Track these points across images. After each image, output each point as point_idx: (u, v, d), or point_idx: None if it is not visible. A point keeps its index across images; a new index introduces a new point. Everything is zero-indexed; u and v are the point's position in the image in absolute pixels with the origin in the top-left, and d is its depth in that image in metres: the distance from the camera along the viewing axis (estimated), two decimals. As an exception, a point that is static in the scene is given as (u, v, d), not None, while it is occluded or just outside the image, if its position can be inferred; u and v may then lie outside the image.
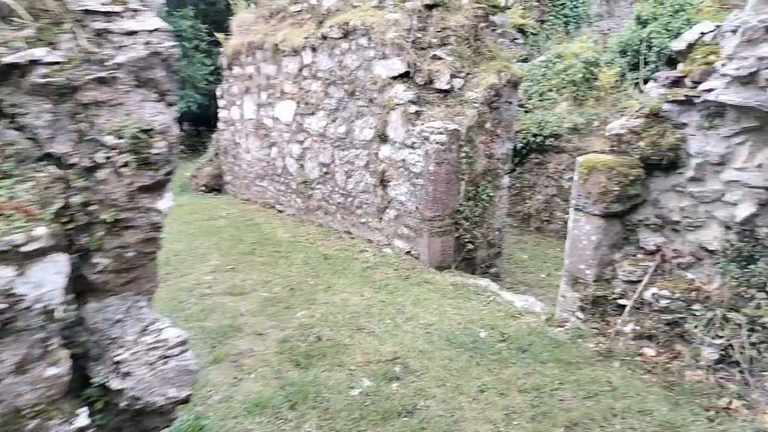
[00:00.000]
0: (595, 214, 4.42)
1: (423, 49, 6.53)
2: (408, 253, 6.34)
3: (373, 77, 6.72)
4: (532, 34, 14.12)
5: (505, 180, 6.80)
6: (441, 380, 3.66)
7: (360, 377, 3.70)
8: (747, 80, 3.64)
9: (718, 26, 4.19)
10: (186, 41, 15.03)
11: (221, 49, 10.37)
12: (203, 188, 10.83)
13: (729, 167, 3.90)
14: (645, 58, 10.25)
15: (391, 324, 4.47)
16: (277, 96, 8.67)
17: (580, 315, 4.54)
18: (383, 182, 6.65)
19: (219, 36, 10.43)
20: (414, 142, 6.18)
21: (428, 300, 4.99)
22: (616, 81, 9.72)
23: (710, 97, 3.85)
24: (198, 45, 15.53)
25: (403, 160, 6.35)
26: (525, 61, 11.59)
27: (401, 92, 6.35)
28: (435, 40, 6.55)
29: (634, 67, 10.33)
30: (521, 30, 13.99)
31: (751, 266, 3.75)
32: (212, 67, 14.85)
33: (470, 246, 6.33)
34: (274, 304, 4.94)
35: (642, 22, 10.97)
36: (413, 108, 6.23)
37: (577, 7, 14.80)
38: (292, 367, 3.82)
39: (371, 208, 6.92)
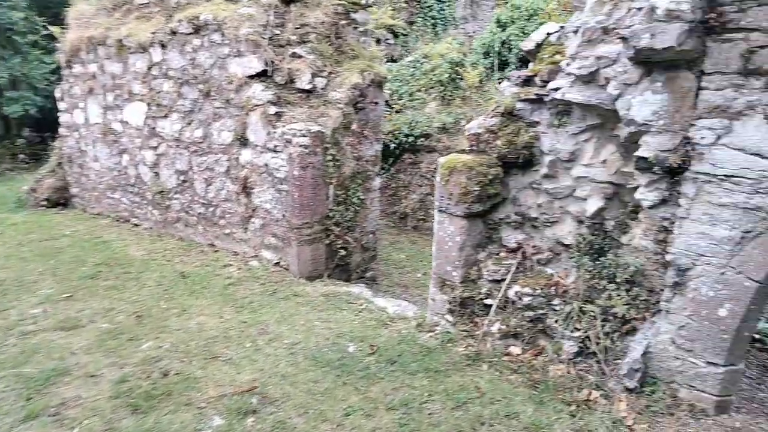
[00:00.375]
0: (458, 215, 4.36)
1: (281, 46, 6.14)
2: (277, 264, 5.93)
3: (229, 76, 6.21)
4: (403, 35, 14.30)
5: (376, 182, 6.64)
6: (303, 407, 3.33)
7: (210, 415, 3.25)
8: (588, 79, 3.74)
9: (562, 27, 4.30)
10: (18, 35, 13.15)
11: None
12: (45, 203, 9.47)
13: (578, 164, 4.00)
14: (505, 59, 10.75)
15: (252, 348, 4.05)
16: (125, 98, 7.77)
17: (450, 318, 4.46)
18: (246, 189, 6.16)
19: (54, 30, 9.16)
20: (276, 146, 5.78)
21: (296, 315, 4.63)
22: (481, 81, 10.07)
23: (557, 95, 3.92)
24: (34, 40, 13.64)
25: (266, 164, 5.92)
26: (394, 61, 11.65)
27: (260, 92, 5.91)
28: (294, 38, 6.19)
29: (512, 68, 10.80)
30: (392, 31, 14.11)
31: (602, 258, 3.87)
32: (53, 66, 13.14)
33: (343, 252, 6.07)
34: (115, 337, 4.27)
35: (501, 25, 11.52)
36: (273, 109, 5.82)
37: (443, 10, 15.25)
38: (129, 414, 3.25)
39: (235, 218, 6.39)
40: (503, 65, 10.98)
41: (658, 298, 3.61)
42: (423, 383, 3.61)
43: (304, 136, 5.54)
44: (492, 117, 4.41)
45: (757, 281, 3.14)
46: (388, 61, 11.58)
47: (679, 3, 3.11)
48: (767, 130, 2.99)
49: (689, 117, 3.29)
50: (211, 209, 6.72)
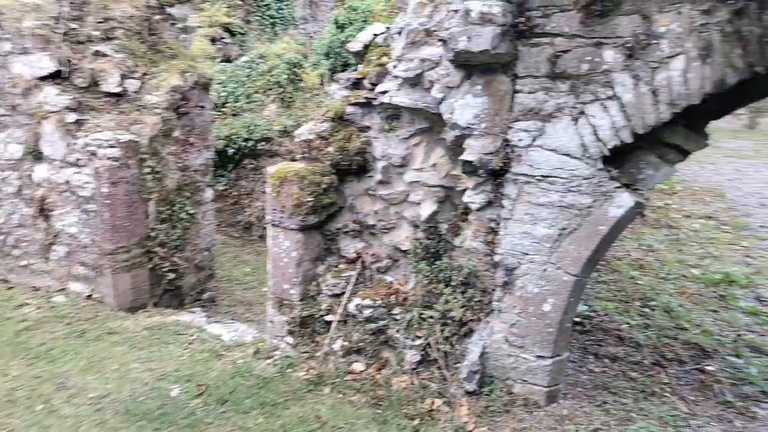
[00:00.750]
0: (292, 229, 4.04)
1: (81, 43, 5.27)
2: (89, 297, 5.07)
3: (14, 78, 5.18)
4: (240, 34, 13.58)
5: (208, 193, 6.04)
6: (109, 478, 2.76)
7: None
8: (414, 82, 3.66)
9: (388, 28, 4.19)
10: None
11: None
12: None
13: (410, 168, 3.93)
14: (345, 61, 10.67)
15: (44, 410, 3.31)
16: None
17: (290, 340, 4.12)
18: (44, 212, 5.19)
19: None
20: (79, 159, 4.94)
21: (108, 359, 3.93)
22: (322, 83, 9.84)
23: (385, 99, 3.79)
24: None
25: (68, 181, 5.04)
26: (230, 61, 10.96)
27: (54, 96, 5.00)
28: (97, 33, 5.35)
29: (337, 69, 10.68)
30: (228, 29, 13.32)
31: (438, 262, 3.83)
32: None
33: (172, 275, 5.39)
34: None
35: (340, 27, 11.42)
36: (72, 116, 4.96)
37: (282, 9, 14.79)
38: None
39: (33, 246, 5.37)
40: (344, 67, 10.88)
41: (490, 298, 3.65)
42: (258, 421, 3.23)
43: (113, 146, 4.80)
44: (323, 122, 4.16)
45: (574, 275, 3.29)
46: (223, 61, 10.85)
47: (491, 6, 3.11)
48: (574, 131, 3.13)
49: (507, 120, 3.34)
50: (1, 238, 5.57)
